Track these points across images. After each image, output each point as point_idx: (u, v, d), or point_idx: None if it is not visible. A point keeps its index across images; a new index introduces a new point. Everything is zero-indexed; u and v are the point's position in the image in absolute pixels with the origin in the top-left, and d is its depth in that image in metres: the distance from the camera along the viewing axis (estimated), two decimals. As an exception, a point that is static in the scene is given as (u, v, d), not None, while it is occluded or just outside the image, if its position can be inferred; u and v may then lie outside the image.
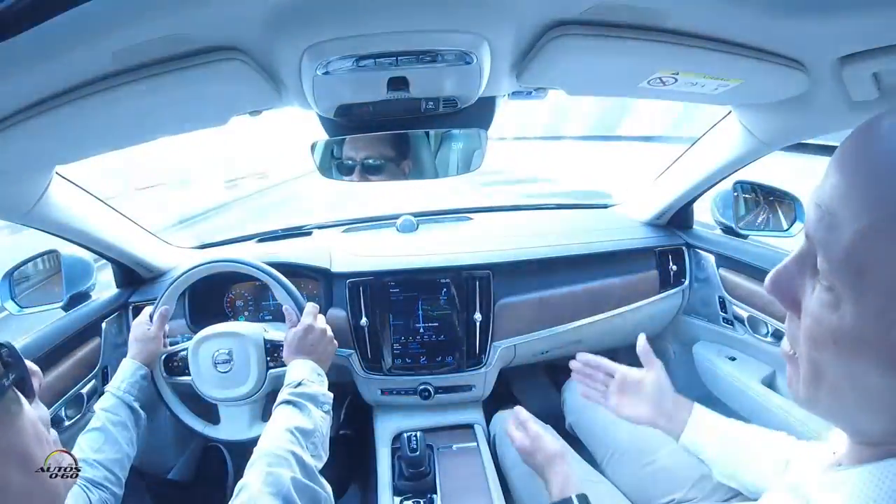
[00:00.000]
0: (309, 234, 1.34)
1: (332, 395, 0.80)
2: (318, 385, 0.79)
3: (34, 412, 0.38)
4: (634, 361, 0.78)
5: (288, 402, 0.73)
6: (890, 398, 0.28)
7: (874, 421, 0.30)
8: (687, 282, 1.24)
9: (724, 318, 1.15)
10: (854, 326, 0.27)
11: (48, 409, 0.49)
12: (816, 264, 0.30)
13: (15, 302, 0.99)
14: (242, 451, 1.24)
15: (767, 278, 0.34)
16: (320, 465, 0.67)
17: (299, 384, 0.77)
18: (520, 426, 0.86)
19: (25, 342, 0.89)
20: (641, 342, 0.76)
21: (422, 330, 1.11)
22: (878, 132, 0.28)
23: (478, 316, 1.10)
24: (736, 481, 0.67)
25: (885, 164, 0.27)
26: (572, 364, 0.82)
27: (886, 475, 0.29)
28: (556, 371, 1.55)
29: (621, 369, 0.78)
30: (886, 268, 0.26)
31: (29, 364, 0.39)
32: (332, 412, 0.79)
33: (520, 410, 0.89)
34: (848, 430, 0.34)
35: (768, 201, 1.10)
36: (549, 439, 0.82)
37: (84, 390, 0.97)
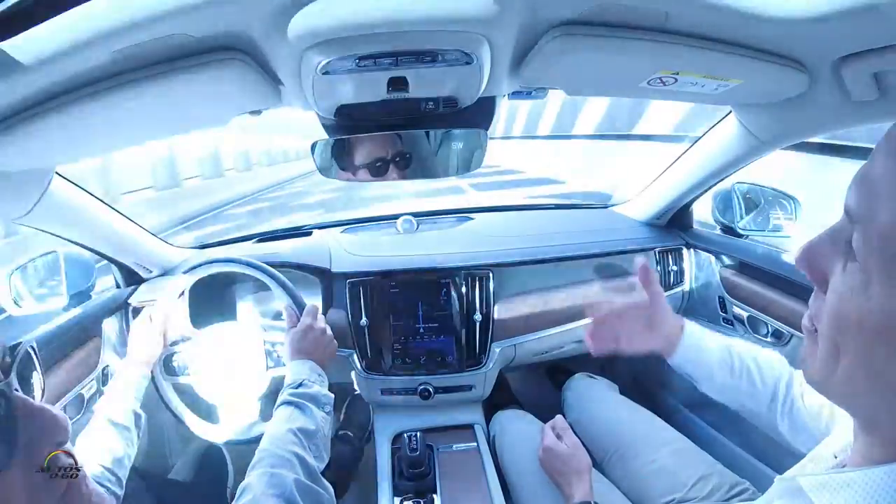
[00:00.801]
0: (309, 234, 1.34)
1: (332, 395, 0.80)
2: (319, 386, 0.79)
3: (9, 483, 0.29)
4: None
5: (289, 402, 0.73)
6: None
7: (888, 411, 0.29)
8: (687, 282, 1.24)
9: (724, 318, 1.15)
10: (882, 311, 0.27)
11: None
12: (851, 242, 0.29)
13: (15, 302, 0.99)
14: (242, 451, 1.24)
15: (798, 250, 0.33)
16: (322, 467, 0.67)
17: (300, 385, 0.77)
18: (561, 431, 0.91)
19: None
20: (640, 270, 0.72)
21: (422, 330, 1.11)
22: None
23: (478, 316, 1.10)
24: (726, 398, 0.70)
25: None
26: (588, 331, 0.76)
27: None
28: (556, 371, 1.55)
29: (630, 308, 0.73)
30: None
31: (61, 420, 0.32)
32: (332, 413, 0.79)
33: (561, 419, 0.95)
34: (858, 418, 0.33)
35: (768, 201, 1.10)
36: (584, 451, 0.87)
37: (84, 390, 0.97)
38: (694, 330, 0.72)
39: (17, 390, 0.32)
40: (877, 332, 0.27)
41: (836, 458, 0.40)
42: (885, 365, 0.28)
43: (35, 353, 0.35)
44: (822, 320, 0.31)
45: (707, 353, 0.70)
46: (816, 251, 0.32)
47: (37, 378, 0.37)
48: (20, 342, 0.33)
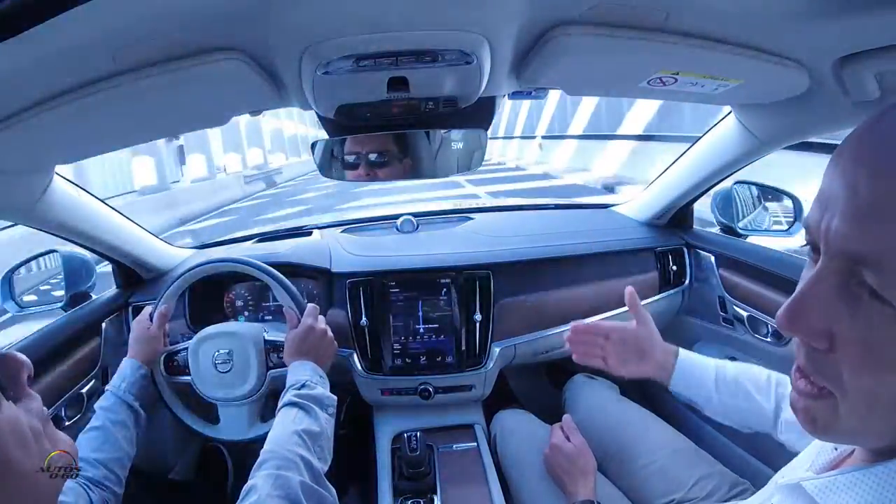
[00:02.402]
0: (309, 234, 1.34)
1: (335, 397, 0.80)
2: (322, 387, 0.79)
3: (15, 411, 0.35)
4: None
5: (294, 404, 0.73)
6: None
7: None
8: (687, 282, 1.24)
9: (724, 318, 1.15)
10: None
11: (48, 409, 0.48)
12: (856, 283, 0.27)
13: (15, 302, 1.00)
14: (242, 451, 1.24)
15: (782, 315, 0.29)
16: (325, 468, 0.67)
17: (303, 386, 0.77)
18: (568, 431, 0.92)
19: (25, 342, 0.89)
20: (628, 295, 0.75)
21: (422, 330, 1.11)
22: None
23: (478, 316, 1.10)
24: (728, 419, 0.70)
25: None
26: (567, 336, 0.79)
27: None
28: (556, 371, 1.55)
29: (615, 330, 0.76)
30: None
31: (13, 356, 0.37)
32: (335, 414, 0.79)
33: (569, 419, 0.95)
34: (881, 445, 0.32)
35: (769, 201, 1.10)
36: (590, 452, 0.88)
37: (84, 390, 0.97)
38: (688, 355, 0.72)
39: None
40: None
41: (836, 449, 0.39)
42: None
43: None
44: (845, 376, 0.28)
45: (704, 375, 0.70)
46: (809, 308, 0.29)
47: None
48: None
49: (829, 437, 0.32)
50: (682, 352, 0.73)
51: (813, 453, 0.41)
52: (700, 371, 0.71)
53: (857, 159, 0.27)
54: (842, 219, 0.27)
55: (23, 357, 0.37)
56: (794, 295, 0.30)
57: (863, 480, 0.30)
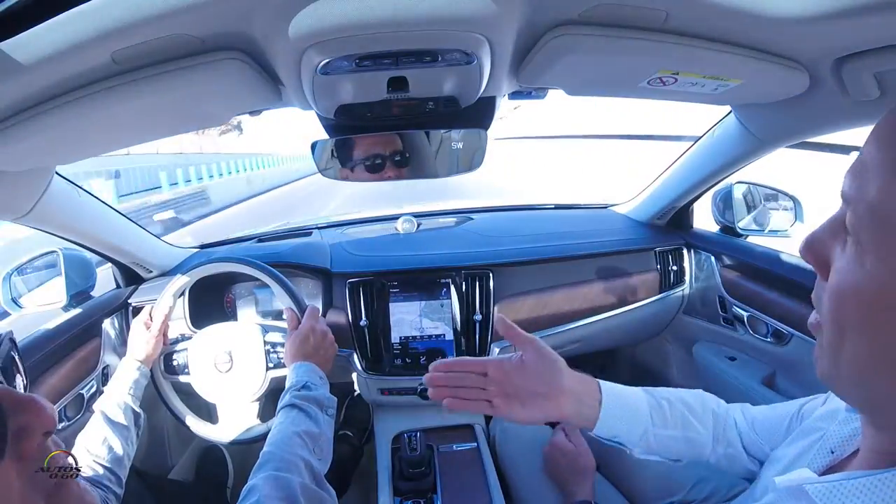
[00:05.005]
0: (309, 233, 1.34)
1: (335, 398, 0.80)
2: (322, 388, 0.79)
3: (9, 475, 0.28)
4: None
5: (294, 405, 0.73)
6: None
7: None
8: (687, 282, 1.24)
9: (724, 318, 1.15)
10: (877, 279, 0.28)
11: None
12: (846, 223, 0.30)
13: (15, 302, 1.00)
14: (242, 451, 1.24)
15: (802, 241, 0.35)
16: (325, 470, 0.67)
17: (303, 387, 0.77)
18: (569, 431, 0.92)
19: (25, 342, 0.89)
20: (499, 323, 0.60)
21: (422, 330, 1.11)
22: None
23: (478, 316, 1.10)
24: (661, 453, 0.59)
25: None
26: (426, 379, 0.62)
27: None
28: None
29: (492, 364, 0.60)
30: None
31: (40, 405, 0.30)
32: (335, 415, 0.79)
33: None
34: (867, 410, 0.33)
35: (768, 201, 1.10)
36: (590, 453, 0.87)
37: (84, 390, 0.97)
38: (612, 385, 0.59)
39: (0, 382, 0.31)
40: (876, 301, 0.28)
41: (832, 452, 0.39)
42: (887, 337, 0.28)
43: (14, 344, 0.34)
44: (824, 303, 0.32)
45: (635, 404, 0.58)
46: (818, 239, 0.33)
47: (19, 367, 0.37)
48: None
49: (825, 378, 0.33)
50: (605, 383, 0.59)
51: (803, 450, 0.41)
52: (633, 399, 0.58)
53: (875, 129, 0.30)
54: (848, 172, 0.31)
55: (51, 411, 0.30)
56: (814, 229, 0.34)
57: (872, 488, 0.30)
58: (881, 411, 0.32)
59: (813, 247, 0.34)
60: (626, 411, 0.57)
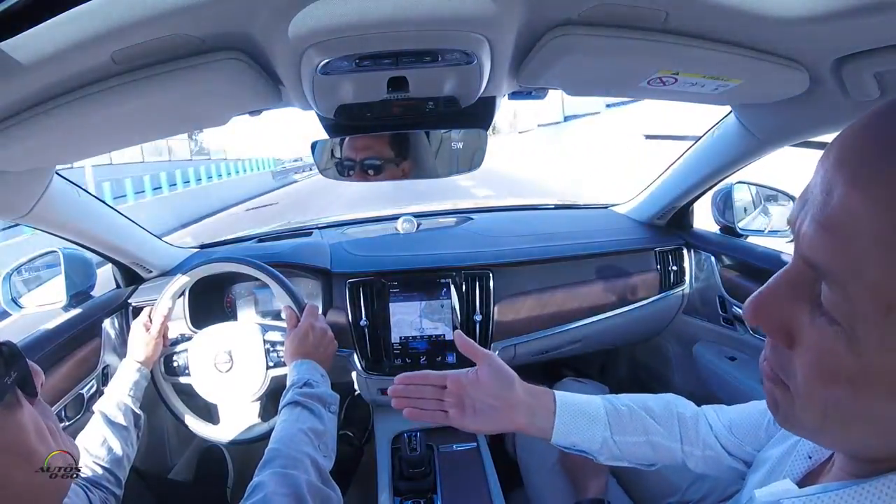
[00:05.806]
0: (309, 233, 1.34)
1: (338, 395, 0.80)
2: (324, 386, 0.79)
3: (35, 410, 0.38)
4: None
5: (298, 403, 0.73)
6: None
7: (882, 444, 0.28)
8: (687, 282, 1.24)
9: (724, 318, 1.15)
10: (877, 363, 0.24)
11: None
12: (816, 293, 0.26)
13: (15, 302, 1.00)
14: (242, 451, 1.24)
15: (748, 304, 0.29)
16: (330, 467, 0.67)
17: (305, 384, 0.77)
18: None
19: (25, 342, 0.89)
20: (457, 338, 0.63)
21: (422, 330, 1.11)
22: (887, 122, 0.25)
23: (478, 316, 1.10)
24: (628, 460, 0.60)
25: None
26: (390, 391, 0.64)
27: (891, 492, 0.27)
28: (548, 372, 1.55)
29: (450, 375, 0.63)
30: None
31: (30, 364, 0.39)
32: (337, 412, 0.79)
33: None
34: (845, 453, 0.32)
35: (769, 201, 1.10)
36: None
37: (84, 390, 0.97)
38: (566, 395, 0.60)
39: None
40: (874, 384, 0.25)
41: (810, 458, 0.38)
42: (883, 409, 0.25)
43: (20, 353, 0.39)
44: (799, 378, 0.28)
45: (591, 413, 0.58)
46: (772, 303, 0.29)
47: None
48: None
49: (790, 428, 0.31)
50: (560, 393, 0.61)
51: (786, 451, 0.40)
52: (590, 409, 0.59)
53: (838, 161, 0.25)
54: (812, 223, 0.26)
55: (36, 367, 0.40)
56: (762, 287, 0.29)
57: (844, 499, 0.29)
58: (857, 455, 0.31)
59: (766, 312, 0.29)
60: (582, 420, 0.58)
